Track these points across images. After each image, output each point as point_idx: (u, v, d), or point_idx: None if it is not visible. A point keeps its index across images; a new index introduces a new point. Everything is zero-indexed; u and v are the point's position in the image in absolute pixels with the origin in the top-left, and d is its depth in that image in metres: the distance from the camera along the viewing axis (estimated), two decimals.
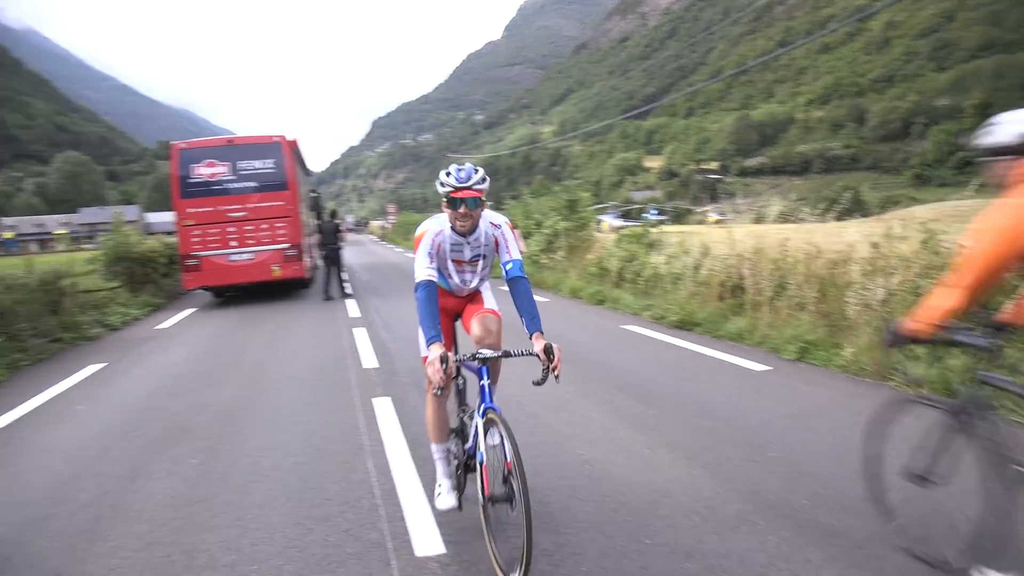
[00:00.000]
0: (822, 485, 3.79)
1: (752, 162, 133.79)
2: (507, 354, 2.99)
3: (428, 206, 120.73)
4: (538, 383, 2.85)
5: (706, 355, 7.27)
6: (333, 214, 15.46)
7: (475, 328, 3.41)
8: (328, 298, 13.88)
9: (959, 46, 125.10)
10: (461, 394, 3.43)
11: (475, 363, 3.00)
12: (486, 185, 3.06)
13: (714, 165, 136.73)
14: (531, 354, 2.91)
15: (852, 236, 7.71)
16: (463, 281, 3.45)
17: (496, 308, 3.53)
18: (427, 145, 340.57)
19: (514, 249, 3.25)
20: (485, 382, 3.00)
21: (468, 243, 3.26)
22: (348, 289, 14.74)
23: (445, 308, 3.46)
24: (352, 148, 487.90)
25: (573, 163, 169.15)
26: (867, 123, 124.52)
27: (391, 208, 61.36)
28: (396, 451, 4.62)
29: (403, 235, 44.30)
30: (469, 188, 3.00)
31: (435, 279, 3.10)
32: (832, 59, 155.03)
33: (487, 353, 3.01)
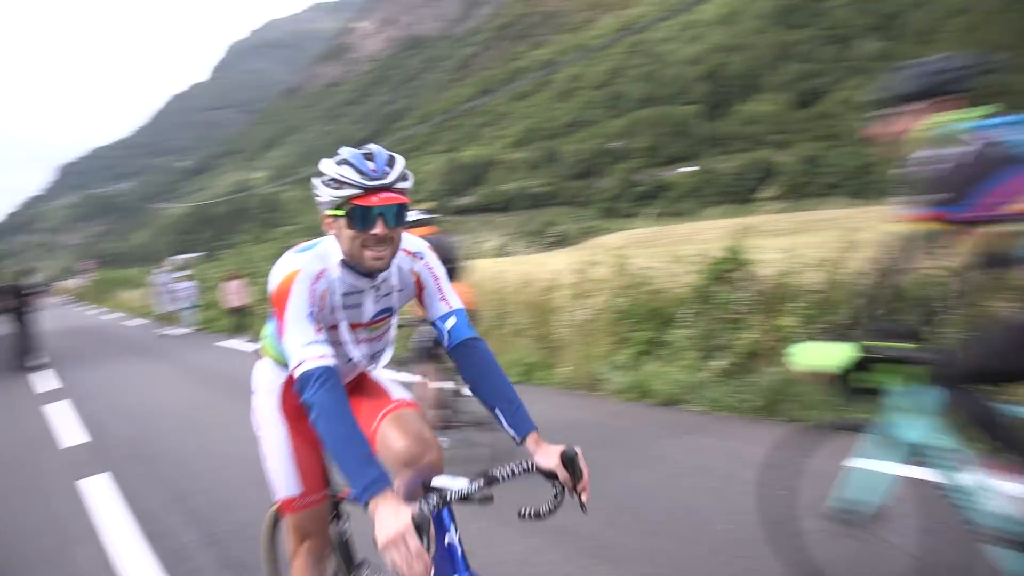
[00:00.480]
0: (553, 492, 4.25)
1: (464, 201, 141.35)
2: (492, 480, 1.62)
3: (133, 259, 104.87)
4: (542, 516, 1.67)
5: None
6: (27, 273, 13.50)
7: (395, 439, 1.98)
8: (14, 371, 12.05)
9: (628, 97, 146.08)
10: (345, 546, 2.27)
11: (434, 506, 1.53)
12: (410, 183, 1.73)
13: (429, 204, 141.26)
14: (540, 472, 1.69)
15: (557, 264, 8.70)
16: (361, 357, 1.96)
17: (411, 397, 2.21)
18: (125, 194, 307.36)
19: (451, 294, 1.94)
20: (454, 537, 1.65)
21: (374, 288, 1.87)
22: (41, 359, 12.86)
23: None
24: (36, 198, 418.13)
25: (290, 208, 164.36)
26: (560, 163, 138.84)
27: (87, 264, 54.71)
28: (120, 531, 4.17)
29: (101, 295, 39.45)
30: (388, 188, 1.64)
31: (332, 363, 1.64)
32: (527, 106, 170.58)
33: (457, 488, 1.59)
